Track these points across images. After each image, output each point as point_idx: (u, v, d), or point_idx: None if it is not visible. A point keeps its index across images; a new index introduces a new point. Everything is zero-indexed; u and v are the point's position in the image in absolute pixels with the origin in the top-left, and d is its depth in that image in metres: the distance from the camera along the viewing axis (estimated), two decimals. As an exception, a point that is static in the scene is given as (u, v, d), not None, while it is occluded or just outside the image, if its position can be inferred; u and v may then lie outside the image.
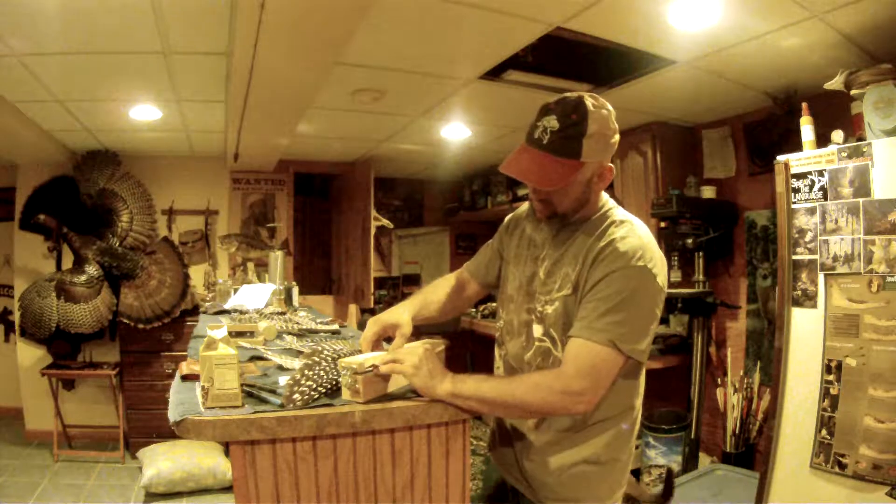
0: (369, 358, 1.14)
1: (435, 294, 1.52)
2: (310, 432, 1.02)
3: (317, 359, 1.15)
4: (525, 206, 1.45)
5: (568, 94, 1.19)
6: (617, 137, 1.21)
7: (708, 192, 3.18)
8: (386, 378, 1.15)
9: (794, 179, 2.18)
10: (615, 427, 1.25)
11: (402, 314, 1.34)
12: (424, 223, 5.57)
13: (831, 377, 2.01)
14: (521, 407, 1.15)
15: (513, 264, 1.38)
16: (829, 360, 2.02)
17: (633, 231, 1.21)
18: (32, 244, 3.97)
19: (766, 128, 2.96)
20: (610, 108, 1.19)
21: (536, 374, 1.23)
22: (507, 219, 1.50)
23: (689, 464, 2.99)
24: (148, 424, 3.77)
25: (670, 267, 3.05)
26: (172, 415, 1.01)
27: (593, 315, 1.13)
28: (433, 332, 1.52)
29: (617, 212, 1.27)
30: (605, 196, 1.30)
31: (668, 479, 2.23)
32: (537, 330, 1.26)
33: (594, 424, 1.24)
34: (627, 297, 1.13)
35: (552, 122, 1.16)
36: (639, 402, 1.30)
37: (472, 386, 1.13)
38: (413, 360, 1.13)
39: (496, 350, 1.42)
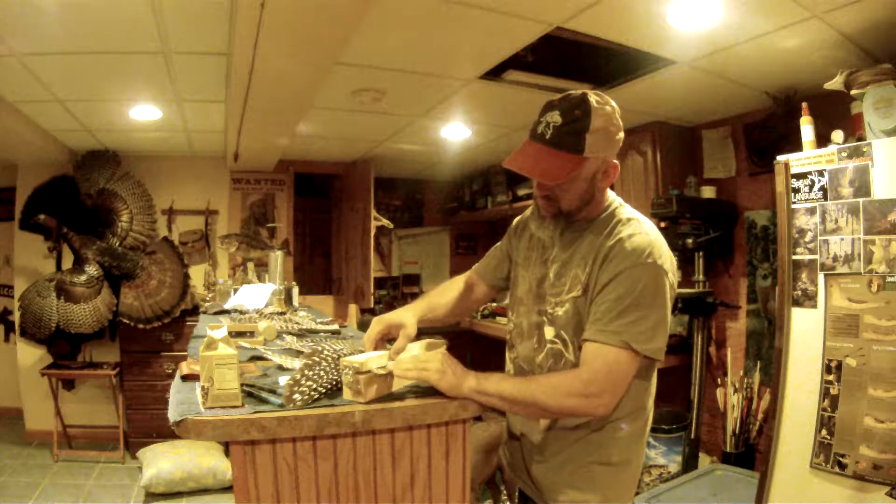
0: (371, 357, 1.14)
1: (442, 297, 1.52)
2: (310, 432, 1.02)
3: (317, 359, 1.15)
4: (532, 207, 1.44)
5: (571, 92, 1.18)
6: (621, 135, 1.20)
7: (708, 192, 3.18)
8: (388, 379, 1.15)
9: (794, 179, 2.18)
10: (627, 428, 1.24)
11: (407, 315, 1.34)
12: (424, 223, 5.57)
13: (831, 377, 2.01)
14: (540, 407, 1.14)
15: (522, 267, 1.38)
16: (829, 360, 2.02)
17: (640, 228, 1.19)
18: (32, 244, 3.96)
19: (766, 128, 2.96)
20: (614, 104, 1.19)
21: (555, 375, 1.21)
22: (514, 221, 1.49)
23: (689, 464, 2.98)
24: (148, 424, 3.77)
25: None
26: (172, 415, 1.01)
27: (606, 317, 1.13)
28: (433, 332, 1.53)
29: (624, 210, 1.26)
30: (611, 194, 1.29)
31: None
32: (549, 332, 1.25)
33: (606, 425, 1.23)
34: (639, 296, 1.12)
35: (555, 117, 1.15)
36: (651, 402, 1.30)
37: (494, 383, 1.14)
38: (436, 364, 1.14)
39: (507, 353, 1.41)
